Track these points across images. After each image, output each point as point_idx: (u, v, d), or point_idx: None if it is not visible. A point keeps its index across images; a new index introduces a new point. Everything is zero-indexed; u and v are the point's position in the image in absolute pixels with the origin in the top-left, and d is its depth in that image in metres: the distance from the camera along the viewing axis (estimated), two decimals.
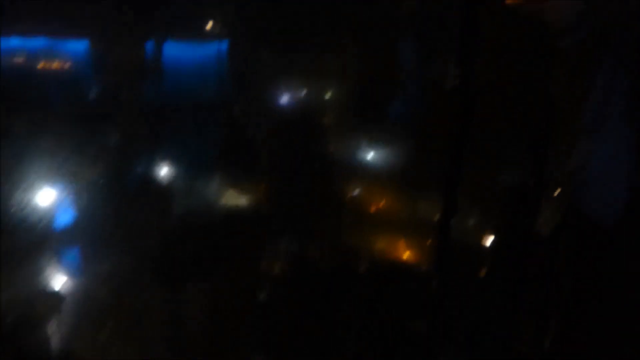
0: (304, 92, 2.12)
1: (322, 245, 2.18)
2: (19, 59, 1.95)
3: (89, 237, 1.99)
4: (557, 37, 1.45)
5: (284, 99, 2.15)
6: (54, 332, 2.01)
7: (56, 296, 2.00)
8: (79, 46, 1.99)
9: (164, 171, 2.08)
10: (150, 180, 2.06)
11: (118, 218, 2.02)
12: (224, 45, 2.09)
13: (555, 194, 2.00)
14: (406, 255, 2.22)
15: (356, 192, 2.20)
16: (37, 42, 1.98)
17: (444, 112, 1.98)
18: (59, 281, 1.99)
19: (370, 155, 2.19)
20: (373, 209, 2.20)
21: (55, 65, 2.00)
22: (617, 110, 1.52)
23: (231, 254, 2.14)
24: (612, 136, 1.52)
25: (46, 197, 1.95)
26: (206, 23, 2.07)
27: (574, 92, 1.48)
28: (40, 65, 1.98)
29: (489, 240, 2.14)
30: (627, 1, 1.67)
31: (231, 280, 2.15)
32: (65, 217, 1.98)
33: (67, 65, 1.99)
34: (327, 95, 2.17)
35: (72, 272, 2.00)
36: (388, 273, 2.22)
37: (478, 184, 2.10)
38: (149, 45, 2.02)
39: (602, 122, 1.53)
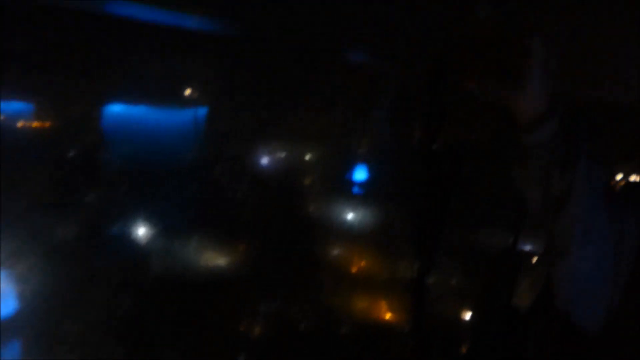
0: (282, 155, 2.11)
1: (300, 307, 2.16)
2: None
3: (58, 304, 1.98)
4: (524, 131, 1.40)
5: (263, 162, 2.14)
6: None
7: None
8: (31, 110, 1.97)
9: (142, 235, 2.06)
10: (128, 243, 2.04)
11: (94, 281, 2.01)
12: (203, 110, 2.08)
13: (532, 265, 1.97)
14: (383, 317, 2.20)
15: (334, 253, 2.18)
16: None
17: (417, 177, 1.96)
18: None
19: (348, 217, 2.17)
20: (350, 270, 2.19)
21: (24, 127, 1.98)
22: (595, 207, 1.46)
23: (210, 316, 2.12)
24: (590, 233, 1.47)
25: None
26: (185, 88, 2.06)
27: (546, 187, 1.43)
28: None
29: (466, 308, 2.11)
30: (598, 90, 1.62)
31: (210, 342, 2.13)
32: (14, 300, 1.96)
33: (36, 127, 1.97)
34: (305, 158, 2.16)
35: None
36: (365, 334, 2.20)
37: (455, 249, 2.08)
38: (128, 110, 2.01)
39: (576, 213, 1.47)
